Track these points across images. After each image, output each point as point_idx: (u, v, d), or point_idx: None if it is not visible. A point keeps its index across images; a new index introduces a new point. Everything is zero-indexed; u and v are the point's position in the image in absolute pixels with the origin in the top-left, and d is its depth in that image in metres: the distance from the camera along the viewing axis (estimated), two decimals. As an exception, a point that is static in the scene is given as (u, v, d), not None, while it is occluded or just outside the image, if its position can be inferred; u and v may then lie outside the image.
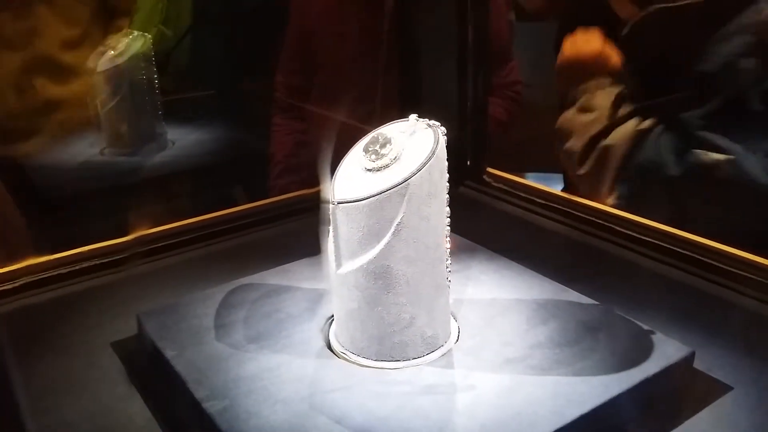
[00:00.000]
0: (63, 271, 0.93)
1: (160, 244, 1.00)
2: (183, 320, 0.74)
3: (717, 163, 0.92)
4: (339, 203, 0.62)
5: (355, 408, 0.60)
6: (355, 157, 0.66)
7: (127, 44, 1.18)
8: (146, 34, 1.19)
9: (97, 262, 0.96)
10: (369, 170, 0.63)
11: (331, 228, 0.64)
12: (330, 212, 0.64)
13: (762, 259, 0.85)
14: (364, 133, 0.66)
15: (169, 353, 0.68)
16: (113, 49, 1.20)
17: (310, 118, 1.34)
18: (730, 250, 0.88)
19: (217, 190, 1.34)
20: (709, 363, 0.71)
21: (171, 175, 1.27)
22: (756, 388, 0.68)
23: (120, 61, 1.18)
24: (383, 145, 0.64)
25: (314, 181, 1.23)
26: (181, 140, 1.31)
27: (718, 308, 0.83)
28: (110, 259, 0.97)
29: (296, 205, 1.12)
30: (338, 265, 0.65)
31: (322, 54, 1.28)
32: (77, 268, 0.94)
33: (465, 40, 1.17)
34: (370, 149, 0.64)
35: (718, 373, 0.70)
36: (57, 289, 0.92)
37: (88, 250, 0.97)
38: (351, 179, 0.64)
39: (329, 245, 0.66)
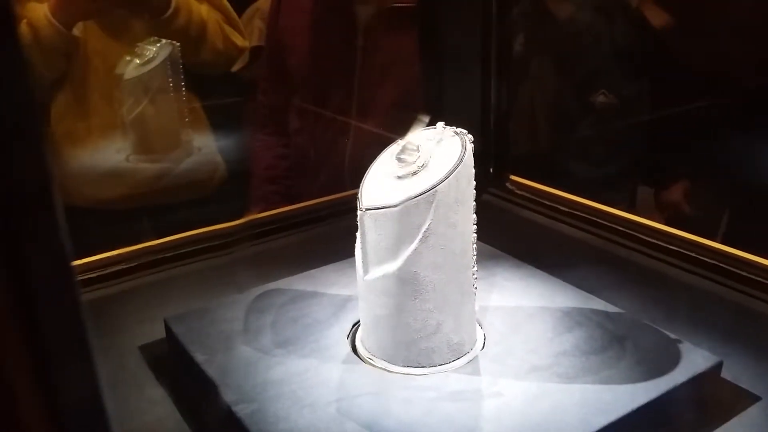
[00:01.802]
0: (92, 275, 0.95)
1: (186, 250, 1.01)
2: (211, 325, 0.75)
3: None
4: (367, 210, 0.63)
5: (383, 413, 0.60)
6: (383, 164, 0.66)
7: (155, 52, 1.18)
8: (174, 42, 1.20)
9: (124, 267, 0.97)
10: (397, 177, 0.64)
11: (358, 234, 0.65)
12: (358, 219, 0.64)
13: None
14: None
15: (200, 357, 0.69)
16: (140, 57, 1.21)
17: (290, 134, 1.36)
18: (758, 259, 0.87)
19: (243, 197, 1.36)
20: (737, 373, 0.71)
21: (196, 182, 1.28)
22: (785, 399, 0.68)
23: (147, 68, 1.19)
24: (411, 153, 0.64)
25: (293, 193, 1.25)
26: (207, 147, 1.32)
27: (746, 318, 0.83)
28: (136, 264, 0.98)
29: (322, 211, 1.13)
30: (365, 271, 0.65)
31: (298, 72, 1.30)
32: (106, 272, 0.96)
33: (489, 49, 1.18)
34: (398, 156, 0.65)
35: (746, 383, 0.70)
36: (84, 294, 0.93)
37: (116, 254, 0.98)
38: (379, 186, 0.64)
39: (356, 251, 0.66)
